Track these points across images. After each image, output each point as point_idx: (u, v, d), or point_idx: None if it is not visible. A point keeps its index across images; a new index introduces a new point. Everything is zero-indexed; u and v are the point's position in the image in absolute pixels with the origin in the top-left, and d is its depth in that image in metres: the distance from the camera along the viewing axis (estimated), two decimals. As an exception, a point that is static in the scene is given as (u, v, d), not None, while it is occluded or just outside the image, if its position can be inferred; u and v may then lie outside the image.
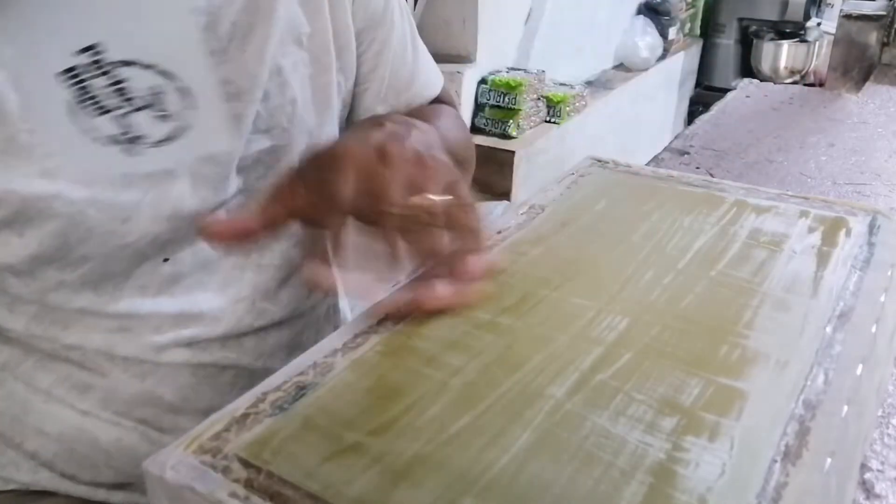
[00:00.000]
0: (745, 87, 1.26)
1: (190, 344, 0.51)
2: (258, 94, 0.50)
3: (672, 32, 2.90)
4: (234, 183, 0.50)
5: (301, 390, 0.34)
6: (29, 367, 0.49)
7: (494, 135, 1.93)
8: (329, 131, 0.57)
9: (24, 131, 0.41)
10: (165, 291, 0.49)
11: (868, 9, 1.45)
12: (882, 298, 0.41)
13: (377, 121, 0.44)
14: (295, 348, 0.56)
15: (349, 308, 0.69)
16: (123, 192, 0.44)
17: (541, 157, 1.97)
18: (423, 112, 0.63)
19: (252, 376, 0.54)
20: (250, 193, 0.51)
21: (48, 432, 0.50)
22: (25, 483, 0.52)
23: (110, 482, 0.52)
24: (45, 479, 0.51)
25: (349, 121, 0.62)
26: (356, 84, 0.61)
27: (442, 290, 0.40)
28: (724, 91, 1.44)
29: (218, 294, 0.51)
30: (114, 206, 0.44)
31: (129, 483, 0.52)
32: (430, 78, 0.66)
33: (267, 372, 0.56)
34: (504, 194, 2.01)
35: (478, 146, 0.75)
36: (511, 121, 1.90)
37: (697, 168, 0.92)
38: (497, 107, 1.95)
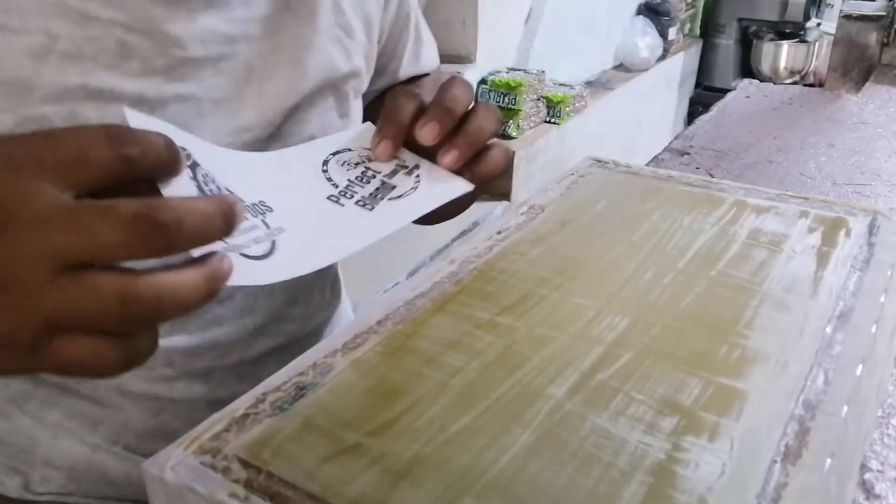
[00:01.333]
0: (745, 88, 1.26)
1: (205, 375, 0.51)
2: (271, 130, 0.49)
3: (672, 33, 2.91)
4: None
5: (301, 390, 0.34)
6: (38, 402, 0.49)
7: (494, 135, 1.93)
8: None
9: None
10: (180, 330, 0.49)
11: (868, 9, 1.45)
12: (882, 299, 0.41)
13: None
14: None
15: (352, 308, 0.69)
16: None
17: (541, 158, 1.98)
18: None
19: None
20: None
21: (57, 466, 0.50)
22: (35, 493, 0.52)
23: (118, 497, 0.52)
24: (51, 497, 0.51)
25: None
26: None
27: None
28: (724, 91, 1.44)
29: (232, 325, 0.51)
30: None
31: (131, 499, 0.52)
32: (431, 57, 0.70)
33: None
34: (504, 195, 2.01)
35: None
36: (511, 121, 1.90)
37: (697, 168, 0.92)
38: (497, 107, 1.95)
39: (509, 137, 1.92)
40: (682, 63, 3.12)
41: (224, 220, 0.27)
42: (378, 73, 0.63)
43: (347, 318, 0.66)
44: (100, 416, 0.49)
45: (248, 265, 0.30)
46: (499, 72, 2.02)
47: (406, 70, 0.68)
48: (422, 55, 0.70)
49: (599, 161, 0.58)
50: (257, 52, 0.47)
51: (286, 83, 0.49)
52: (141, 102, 0.42)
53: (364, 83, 0.56)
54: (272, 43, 0.48)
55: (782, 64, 3.16)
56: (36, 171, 0.25)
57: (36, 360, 0.26)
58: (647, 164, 0.85)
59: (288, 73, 0.49)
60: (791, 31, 3.12)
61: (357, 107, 0.58)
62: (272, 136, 0.49)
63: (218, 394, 0.52)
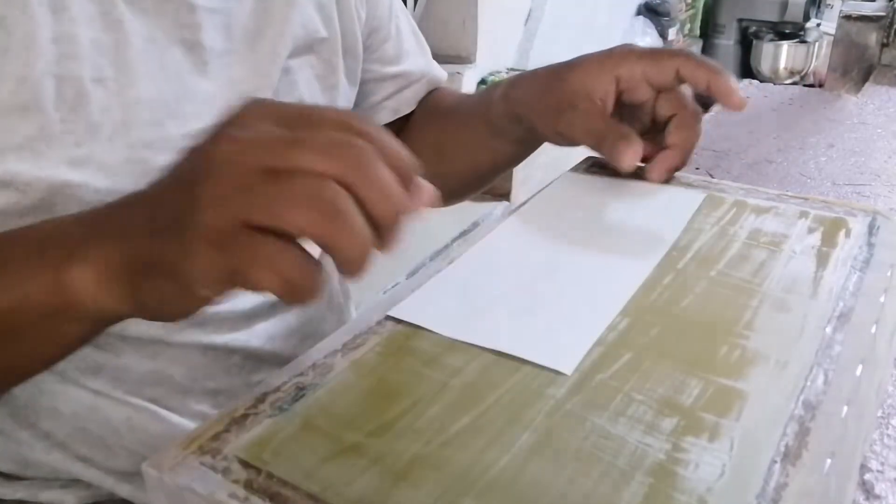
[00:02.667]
0: (745, 88, 1.26)
1: (202, 323, 0.52)
2: (268, 93, 0.52)
3: (672, 33, 2.91)
4: None
5: (301, 391, 0.34)
6: None
7: (494, 135, 1.93)
8: None
9: (56, 121, 0.42)
10: None
11: (867, 10, 1.45)
12: (882, 299, 0.41)
13: None
14: (301, 335, 0.58)
15: (353, 307, 0.69)
16: (143, 183, 0.45)
17: (540, 158, 1.97)
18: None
19: (260, 360, 0.55)
20: None
21: (62, 411, 0.51)
22: (39, 464, 0.52)
23: (121, 469, 0.53)
24: (57, 461, 0.52)
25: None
26: (364, 95, 0.66)
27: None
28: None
29: None
30: None
31: (136, 473, 0.52)
32: (422, 84, 0.72)
33: (275, 356, 0.57)
34: (504, 195, 2.01)
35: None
36: (511, 121, 1.90)
37: (697, 169, 0.92)
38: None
39: (509, 138, 1.91)
40: (682, 63, 3.11)
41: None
42: (379, 59, 0.65)
43: (349, 312, 0.67)
44: (101, 362, 0.50)
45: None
46: (498, 72, 2.02)
47: (414, 59, 0.69)
48: (430, 61, 0.72)
49: (599, 161, 0.58)
50: (249, 9, 0.52)
51: (275, 40, 0.52)
52: (152, 41, 0.46)
53: (339, 54, 0.59)
54: (262, 3, 0.52)
55: (782, 64, 3.16)
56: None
57: (228, 253, 0.28)
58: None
59: (277, 30, 0.52)
60: (791, 31, 3.12)
61: (345, 94, 0.60)
62: (272, 97, 0.52)
63: (213, 340, 0.53)
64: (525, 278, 0.42)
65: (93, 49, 0.43)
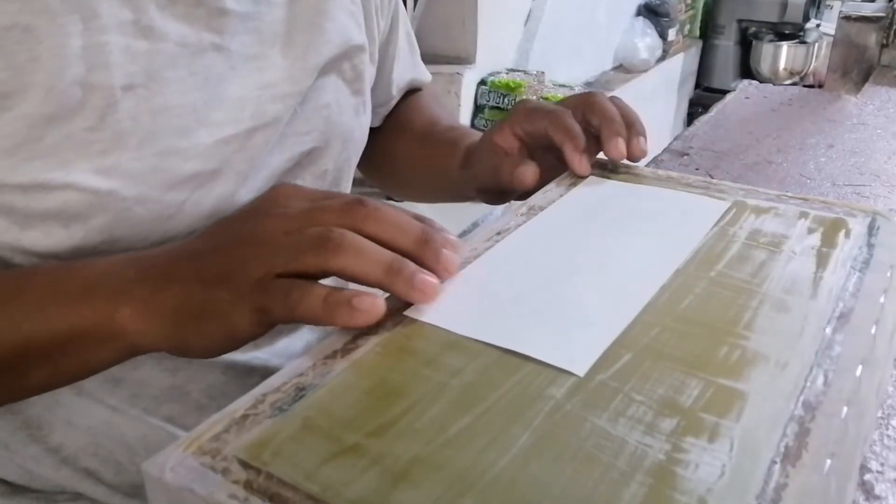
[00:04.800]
0: (745, 89, 1.26)
1: None
2: (298, 98, 0.52)
3: (671, 34, 2.91)
4: (274, 182, 0.52)
5: (300, 391, 0.34)
6: None
7: (494, 136, 1.93)
8: (360, 136, 0.61)
9: (83, 129, 0.41)
10: None
11: (867, 10, 1.45)
12: (881, 299, 0.41)
13: None
14: None
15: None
16: (171, 191, 0.45)
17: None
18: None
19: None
20: None
21: (76, 424, 0.51)
22: (46, 479, 0.52)
23: (129, 485, 0.53)
24: (65, 477, 0.52)
25: None
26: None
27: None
28: (724, 92, 1.44)
29: None
30: (160, 203, 0.45)
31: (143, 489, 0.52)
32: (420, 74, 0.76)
33: None
34: (503, 195, 2.00)
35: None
36: (510, 122, 1.90)
37: (697, 169, 0.92)
38: (497, 108, 1.95)
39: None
40: (682, 64, 3.13)
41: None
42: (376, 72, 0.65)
43: None
44: (119, 376, 0.50)
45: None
46: (498, 73, 2.02)
47: (402, 72, 0.71)
48: (417, 63, 0.74)
49: (599, 162, 0.58)
50: (281, 16, 0.52)
51: (307, 47, 0.53)
52: (184, 45, 0.46)
53: (366, 62, 0.60)
54: (293, 10, 0.53)
55: (782, 65, 3.16)
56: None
57: (263, 294, 0.36)
58: (646, 165, 0.85)
59: (309, 38, 0.53)
60: (790, 32, 3.13)
61: (368, 99, 0.61)
62: (300, 104, 0.53)
63: (235, 357, 0.53)
64: (543, 280, 0.42)
65: (124, 56, 0.43)
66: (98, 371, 0.42)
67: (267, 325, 0.37)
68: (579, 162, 0.54)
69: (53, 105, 0.41)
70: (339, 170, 0.59)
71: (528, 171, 0.55)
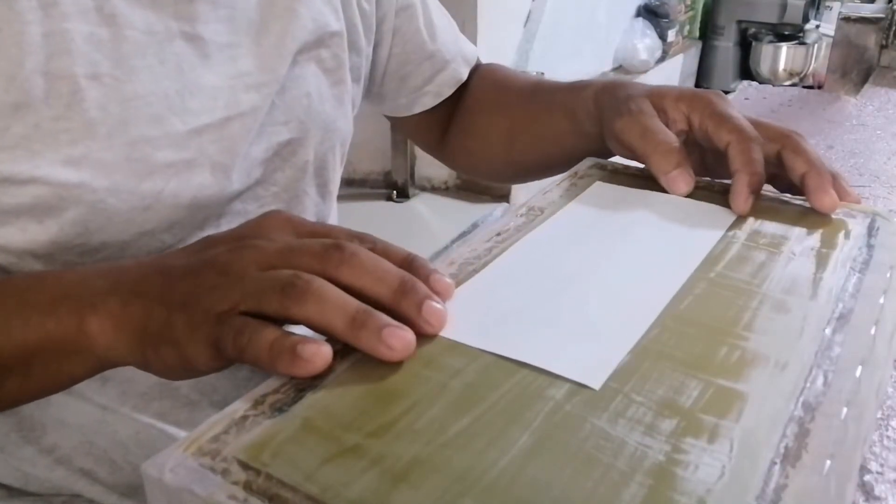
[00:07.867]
0: (745, 90, 1.26)
1: None
2: (275, 87, 0.51)
3: (671, 34, 2.91)
4: (254, 173, 0.51)
5: (300, 392, 0.34)
6: None
7: (494, 137, 1.92)
8: (343, 126, 0.59)
9: (50, 119, 0.41)
10: None
11: (867, 11, 1.45)
12: (881, 300, 0.41)
13: None
14: None
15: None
16: (145, 181, 0.45)
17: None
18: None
19: (268, 374, 0.55)
20: (267, 184, 0.53)
21: (69, 423, 0.51)
22: (42, 480, 0.52)
23: (124, 484, 0.52)
24: (60, 478, 0.52)
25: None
26: (403, 81, 0.67)
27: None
28: (724, 93, 1.44)
29: None
30: (135, 194, 0.45)
31: (139, 488, 0.52)
32: (458, 63, 0.70)
33: None
34: (503, 196, 2.01)
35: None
36: (510, 123, 1.90)
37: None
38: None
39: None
40: (682, 65, 3.12)
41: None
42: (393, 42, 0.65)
43: None
44: (107, 373, 0.50)
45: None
46: (498, 73, 2.02)
47: (444, 35, 0.68)
48: (456, 27, 0.70)
49: (599, 162, 0.58)
50: (254, 2, 0.51)
51: (281, 34, 0.52)
52: (150, 33, 0.45)
53: (346, 49, 0.59)
54: None
55: (781, 66, 3.16)
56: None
57: (219, 328, 0.34)
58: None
59: (283, 24, 0.52)
60: (790, 32, 3.12)
61: (350, 89, 0.60)
62: (278, 93, 0.52)
63: None
64: (553, 289, 0.41)
65: (87, 44, 0.43)
66: (70, 385, 0.41)
67: (224, 360, 0.35)
68: (745, 201, 0.48)
69: (16, 94, 0.40)
70: (320, 161, 0.58)
71: (683, 183, 0.50)
